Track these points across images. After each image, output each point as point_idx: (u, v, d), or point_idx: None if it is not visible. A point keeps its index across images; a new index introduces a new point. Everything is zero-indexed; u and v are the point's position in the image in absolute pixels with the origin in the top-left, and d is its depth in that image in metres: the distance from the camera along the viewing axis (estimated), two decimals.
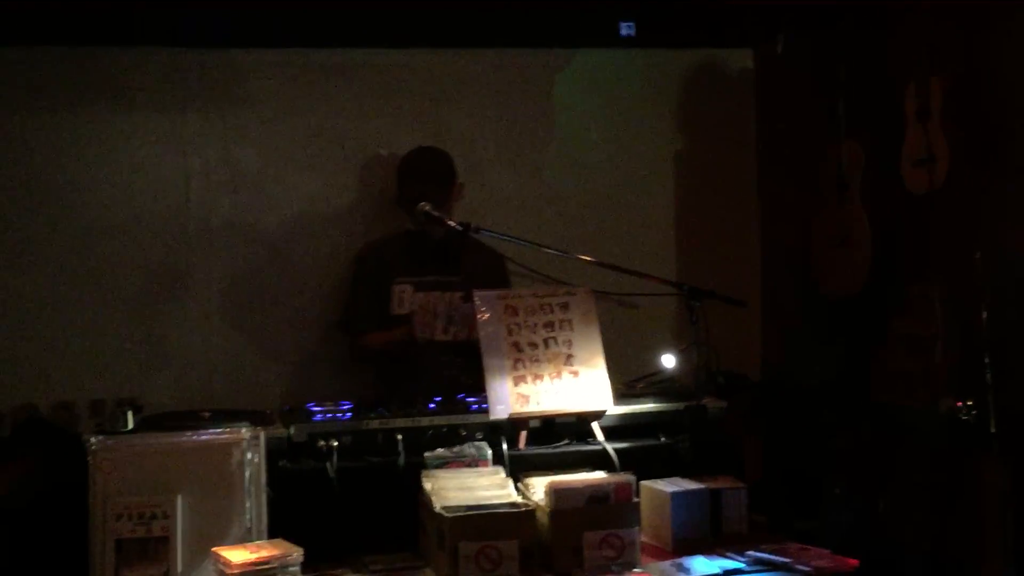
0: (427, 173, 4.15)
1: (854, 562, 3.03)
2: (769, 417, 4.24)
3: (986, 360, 3.42)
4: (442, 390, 3.45)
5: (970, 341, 3.67)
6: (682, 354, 3.60)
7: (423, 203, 3.88)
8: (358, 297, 4.22)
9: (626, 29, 4.80)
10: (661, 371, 3.72)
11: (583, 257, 3.78)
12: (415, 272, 4.13)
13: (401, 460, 3.17)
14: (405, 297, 4.08)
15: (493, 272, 4.17)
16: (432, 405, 3.44)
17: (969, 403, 3.48)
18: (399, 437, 3.21)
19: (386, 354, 4.08)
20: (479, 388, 3.34)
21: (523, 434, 3.32)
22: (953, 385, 3.80)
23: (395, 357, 4.02)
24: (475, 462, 3.19)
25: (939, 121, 3.95)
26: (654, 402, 3.51)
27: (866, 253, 4.32)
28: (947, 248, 4.07)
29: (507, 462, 3.23)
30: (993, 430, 3.39)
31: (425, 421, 3.28)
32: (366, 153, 4.58)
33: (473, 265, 4.12)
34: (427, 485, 3.08)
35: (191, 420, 3.16)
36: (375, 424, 3.24)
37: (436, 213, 3.83)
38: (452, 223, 3.78)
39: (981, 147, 3.99)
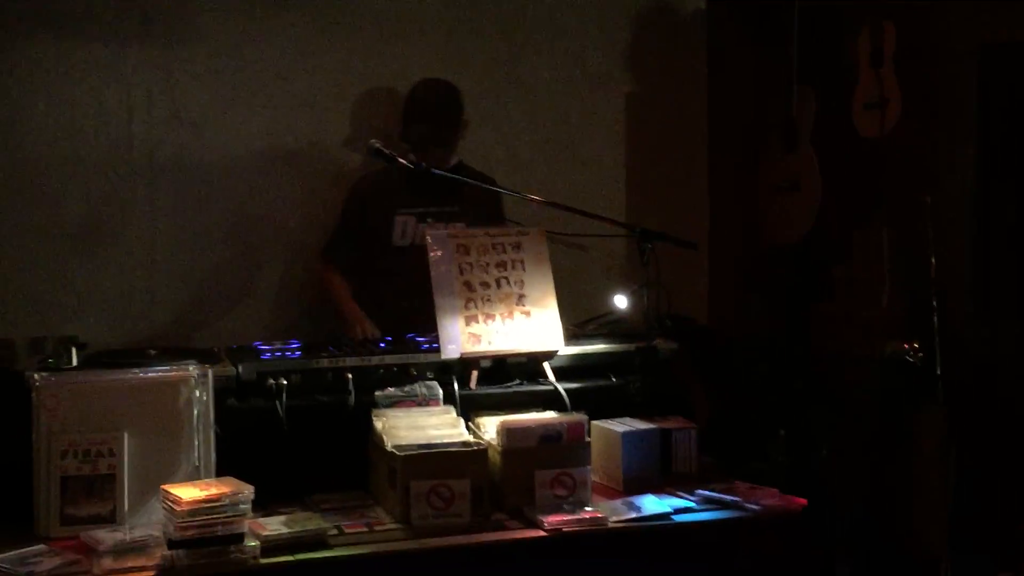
0: (435, 110, 4.13)
1: (802, 501, 3.06)
2: (715, 362, 4.26)
3: (934, 303, 3.46)
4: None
5: (918, 284, 3.70)
6: (633, 295, 3.61)
7: (374, 140, 3.80)
8: (345, 226, 4.21)
9: None
10: (612, 312, 3.73)
11: (534, 198, 3.76)
12: (416, 204, 4.12)
13: (351, 399, 3.15)
14: (408, 229, 4.11)
15: (490, 202, 4.14)
16: (382, 344, 3.43)
17: (916, 345, 3.52)
18: (349, 376, 3.18)
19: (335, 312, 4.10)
20: (423, 328, 3.34)
21: (474, 374, 3.31)
22: (899, 329, 3.85)
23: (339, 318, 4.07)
24: (426, 401, 3.17)
25: (891, 66, 3.96)
26: (605, 343, 3.52)
27: (814, 199, 4.37)
28: (897, 192, 4.11)
29: (458, 402, 3.22)
30: (939, 371, 3.44)
31: (375, 360, 3.26)
32: (309, 93, 4.51)
33: (471, 197, 4.09)
34: (378, 424, 3.07)
35: (137, 358, 3.12)
36: (325, 363, 3.22)
37: (387, 151, 3.76)
38: (402, 161, 3.72)
39: (932, 91, 4.01)
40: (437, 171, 3.78)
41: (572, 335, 3.51)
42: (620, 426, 3.22)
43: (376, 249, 4.14)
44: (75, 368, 3.04)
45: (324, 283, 4.23)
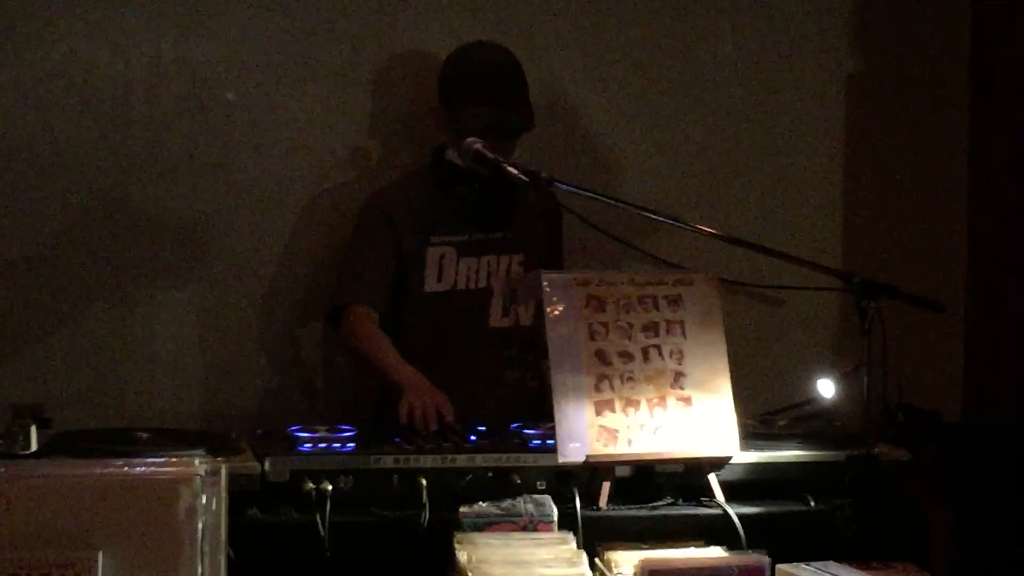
0: (508, 84, 4.10)
1: None
2: (970, 480, 4.20)
3: None
4: (500, 405, 3.44)
5: None
6: (846, 378, 3.61)
7: (473, 139, 3.84)
8: (360, 260, 4.16)
9: None
10: (813, 401, 3.74)
11: (704, 228, 3.77)
12: (456, 228, 4.13)
13: (425, 516, 3.18)
14: (447, 265, 4.10)
15: (552, 227, 4.18)
16: (473, 437, 3.46)
17: None
18: (423, 482, 3.22)
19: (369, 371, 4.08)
20: (545, 412, 3.35)
21: (606, 486, 3.32)
22: None
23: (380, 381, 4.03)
24: (533, 524, 3.19)
25: None
26: (802, 448, 3.53)
27: None
28: None
29: (581, 526, 3.23)
30: None
31: (462, 460, 3.30)
32: (383, 55, 4.59)
33: (528, 218, 4.12)
34: (462, 555, 3.07)
35: (122, 442, 3.19)
36: (389, 461, 3.26)
37: (491, 155, 3.80)
38: (513, 170, 3.74)
39: None
40: (560, 182, 3.71)
41: (753, 435, 3.52)
42: (820, 574, 3.19)
43: (404, 294, 4.13)
44: (34, 455, 3.09)
45: (351, 341, 4.11)
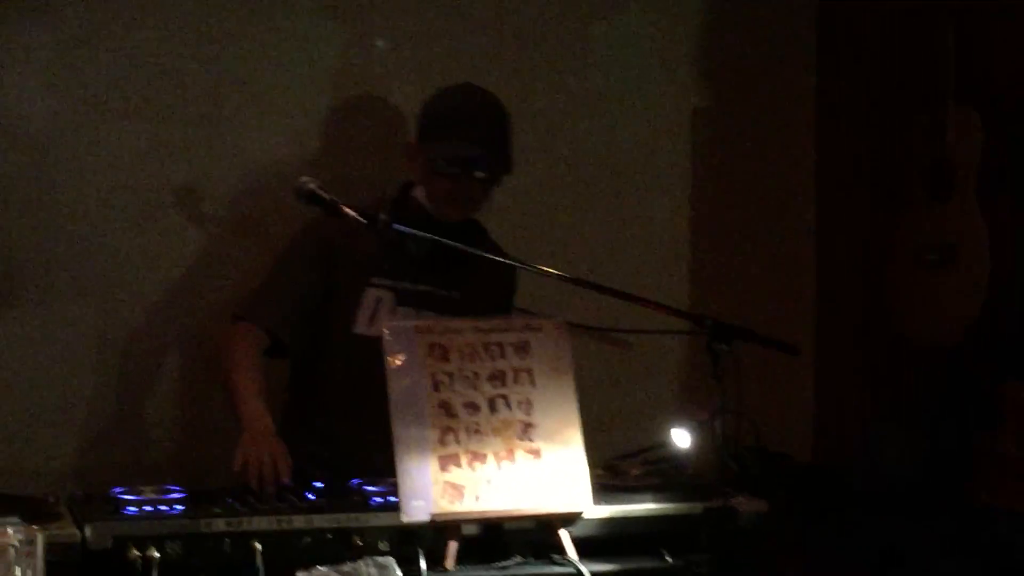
0: (480, 125, 4.03)
1: None
2: (825, 526, 4.22)
3: None
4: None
5: None
6: (700, 425, 3.58)
7: (308, 179, 3.76)
8: (276, 281, 4.07)
9: None
10: (663, 445, 3.72)
11: (548, 271, 3.73)
12: (399, 274, 4.04)
13: None
14: (383, 309, 4.01)
15: (505, 291, 4.14)
16: (310, 494, 3.41)
17: None
18: (258, 547, 3.13)
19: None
20: (388, 469, 3.30)
21: (452, 546, 3.26)
22: None
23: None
24: None
25: None
26: (656, 500, 3.49)
27: (980, 275, 4.37)
28: None
29: None
30: None
31: (299, 521, 3.22)
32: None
33: (484, 282, 4.06)
34: None
35: None
36: (220, 524, 3.17)
37: (327, 195, 3.71)
38: (350, 211, 3.70)
39: None
40: (399, 227, 3.69)
41: (605, 487, 3.49)
42: None
43: (327, 334, 4.05)
44: None
45: (222, 353, 4.01)
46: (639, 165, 4.87)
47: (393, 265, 4.03)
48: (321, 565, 3.10)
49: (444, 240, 3.77)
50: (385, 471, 3.35)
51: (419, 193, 4.05)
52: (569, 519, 3.33)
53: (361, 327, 4.01)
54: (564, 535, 3.32)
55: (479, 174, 3.95)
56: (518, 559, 3.32)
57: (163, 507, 3.21)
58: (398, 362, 3.32)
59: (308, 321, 4.03)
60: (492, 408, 3.33)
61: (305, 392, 4.11)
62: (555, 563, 3.31)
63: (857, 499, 4.48)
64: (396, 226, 3.70)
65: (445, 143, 4.01)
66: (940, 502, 4.30)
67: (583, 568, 3.27)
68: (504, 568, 3.29)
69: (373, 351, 3.82)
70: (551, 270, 3.71)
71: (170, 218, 4.49)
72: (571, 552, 3.31)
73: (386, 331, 3.36)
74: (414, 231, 3.76)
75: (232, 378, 3.88)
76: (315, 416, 4.04)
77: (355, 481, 3.45)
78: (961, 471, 4.38)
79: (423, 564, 3.19)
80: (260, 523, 3.18)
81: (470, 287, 4.06)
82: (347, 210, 3.68)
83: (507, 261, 3.91)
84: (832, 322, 4.97)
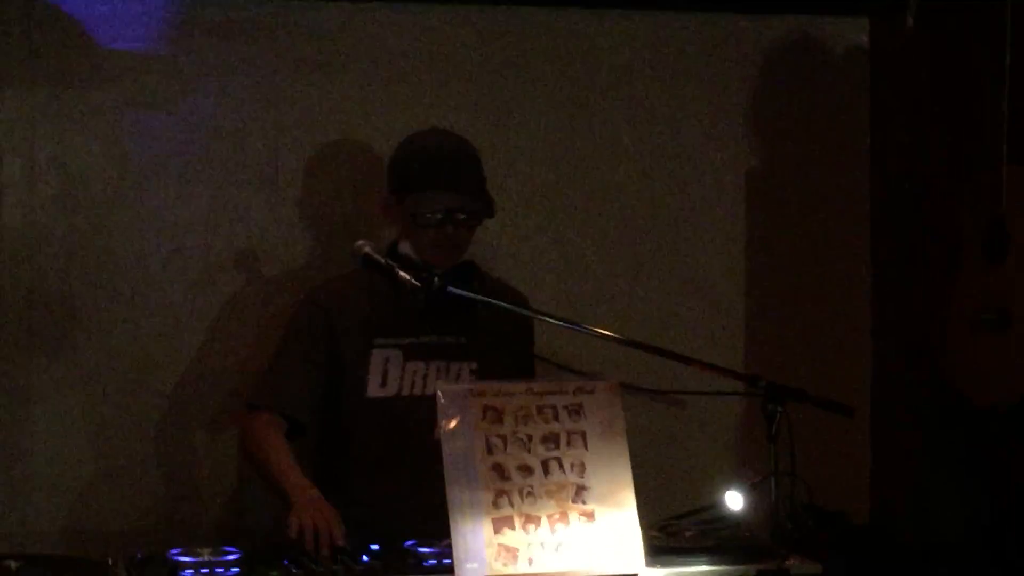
0: (462, 168, 4.01)
1: None
2: None
3: None
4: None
5: None
6: (754, 488, 3.54)
7: (364, 242, 3.79)
8: (283, 363, 4.04)
9: None
10: (716, 506, 3.69)
11: (603, 332, 3.72)
12: (403, 330, 4.02)
13: None
14: (392, 369, 3.98)
15: (521, 337, 4.12)
16: (365, 557, 3.40)
17: None
18: None
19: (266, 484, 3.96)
20: (442, 531, 3.27)
21: None
22: None
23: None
24: None
25: None
26: (710, 562, 3.46)
27: None
28: None
29: None
30: None
31: None
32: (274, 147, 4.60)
33: (489, 324, 4.03)
34: None
35: None
36: None
37: (382, 259, 3.74)
38: (405, 275, 3.70)
39: None
40: (455, 290, 3.70)
41: (659, 548, 3.45)
42: None
43: (342, 401, 4.02)
44: None
45: (248, 445, 4.00)
46: (694, 226, 4.86)
47: (394, 322, 4.01)
48: None
49: (502, 303, 3.79)
50: (423, 528, 3.38)
51: (405, 247, 4.00)
52: None
53: (373, 390, 3.99)
54: None
55: (461, 216, 3.93)
56: None
57: (219, 569, 3.21)
58: (452, 425, 3.30)
59: (322, 394, 4.01)
60: (546, 471, 3.31)
61: (331, 460, 4.06)
62: None
63: (913, 559, 4.47)
64: (451, 289, 3.69)
65: (423, 194, 3.97)
66: (996, 561, 4.30)
67: None
68: None
69: (391, 412, 3.90)
70: (606, 332, 3.72)
71: (229, 280, 4.53)
72: None
73: (440, 394, 3.34)
74: (472, 295, 3.76)
75: (265, 461, 3.88)
76: (344, 481, 3.99)
77: (409, 542, 3.43)
78: (1017, 531, 4.35)
79: None
80: None
81: (476, 330, 4.04)
82: (402, 274, 3.69)
83: (519, 309, 3.90)
84: (887, 382, 4.93)
